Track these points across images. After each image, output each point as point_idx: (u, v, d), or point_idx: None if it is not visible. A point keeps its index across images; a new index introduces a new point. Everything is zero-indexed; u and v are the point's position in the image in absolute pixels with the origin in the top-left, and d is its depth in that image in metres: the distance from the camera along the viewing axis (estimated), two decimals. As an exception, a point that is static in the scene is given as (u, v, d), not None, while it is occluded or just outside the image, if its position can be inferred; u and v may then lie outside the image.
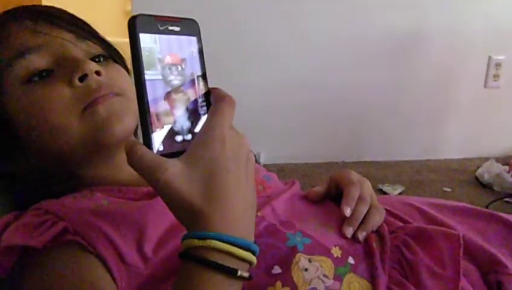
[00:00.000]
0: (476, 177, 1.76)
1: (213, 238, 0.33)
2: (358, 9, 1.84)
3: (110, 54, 0.58)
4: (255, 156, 0.63)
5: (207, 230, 0.34)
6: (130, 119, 0.52)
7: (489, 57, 2.02)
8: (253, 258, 0.35)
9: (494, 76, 2.05)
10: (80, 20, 0.57)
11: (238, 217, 0.36)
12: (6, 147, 0.54)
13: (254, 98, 1.75)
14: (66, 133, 0.50)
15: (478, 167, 1.85)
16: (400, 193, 1.58)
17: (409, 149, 2.06)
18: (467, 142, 2.10)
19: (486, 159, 2.02)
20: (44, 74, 0.51)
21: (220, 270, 0.33)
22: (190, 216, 0.35)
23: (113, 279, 0.43)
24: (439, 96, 2.04)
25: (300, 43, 1.82)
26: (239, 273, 0.34)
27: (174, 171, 0.34)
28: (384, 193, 1.57)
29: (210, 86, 0.41)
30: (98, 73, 0.50)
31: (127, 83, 0.55)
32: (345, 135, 2.02)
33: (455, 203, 0.64)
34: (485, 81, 2.06)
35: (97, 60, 0.54)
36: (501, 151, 2.09)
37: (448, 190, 1.67)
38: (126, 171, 0.55)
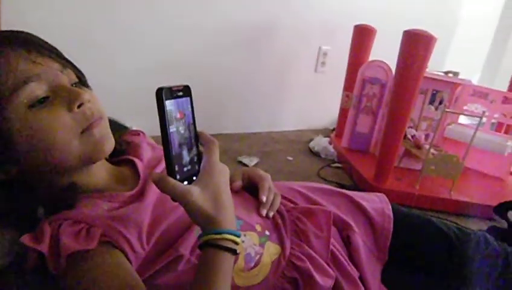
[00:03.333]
0: (309, 148, 2.21)
1: (226, 233, 0.54)
2: (218, 4, 2.04)
3: (80, 78, 0.68)
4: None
5: (220, 228, 0.54)
6: (113, 138, 0.66)
7: (319, 47, 2.48)
8: (240, 241, 0.57)
9: (322, 63, 2.53)
10: (55, 48, 0.65)
11: (231, 217, 0.57)
12: (3, 161, 0.60)
13: (126, 78, 1.84)
14: (67, 150, 0.60)
15: (310, 138, 2.32)
16: (256, 164, 1.90)
17: (256, 123, 2.41)
18: (300, 116, 2.56)
19: (316, 130, 2.53)
20: (42, 100, 0.59)
21: (230, 251, 0.55)
22: (207, 221, 0.55)
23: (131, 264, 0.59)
24: (280, 78, 2.41)
25: (167, 29, 1.93)
26: (237, 251, 0.56)
27: (196, 194, 0.54)
28: (244, 165, 1.87)
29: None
30: (88, 101, 0.62)
31: (101, 104, 0.67)
32: (205, 111, 2.24)
33: (320, 185, 0.95)
34: (315, 67, 2.53)
35: (74, 85, 0.65)
36: (325, 123, 2.63)
37: (291, 158, 2.03)
38: (98, 178, 0.69)
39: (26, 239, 0.56)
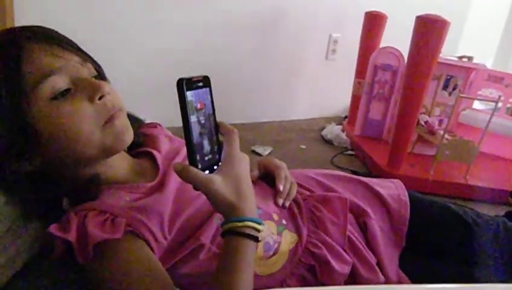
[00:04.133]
0: (321, 136, 2.21)
1: (248, 220, 0.55)
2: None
3: (99, 71, 0.69)
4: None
5: (242, 216, 0.55)
6: (132, 129, 0.67)
7: (330, 35, 2.46)
8: (262, 228, 0.58)
9: (333, 50, 2.51)
10: (74, 42, 0.66)
11: (253, 205, 0.58)
12: (27, 150, 0.61)
13: (133, 72, 1.85)
14: (89, 140, 0.61)
15: (322, 126, 2.31)
16: (269, 153, 1.90)
17: (268, 112, 2.40)
18: (312, 105, 2.55)
19: (328, 118, 2.52)
20: (64, 93, 0.60)
21: (252, 238, 0.56)
22: (229, 209, 0.56)
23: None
24: (291, 66, 2.40)
25: (174, 26, 1.94)
26: (259, 238, 0.57)
27: (219, 183, 0.55)
28: (258, 154, 1.88)
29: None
30: (108, 93, 0.63)
31: (120, 96, 0.68)
32: (216, 101, 2.24)
33: (335, 172, 0.95)
34: (326, 54, 2.51)
35: (94, 78, 0.66)
36: (337, 111, 2.62)
37: (304, 147, 2.03)
38: (119, 169, 0.71)
39: (53, 229, 0.58)
